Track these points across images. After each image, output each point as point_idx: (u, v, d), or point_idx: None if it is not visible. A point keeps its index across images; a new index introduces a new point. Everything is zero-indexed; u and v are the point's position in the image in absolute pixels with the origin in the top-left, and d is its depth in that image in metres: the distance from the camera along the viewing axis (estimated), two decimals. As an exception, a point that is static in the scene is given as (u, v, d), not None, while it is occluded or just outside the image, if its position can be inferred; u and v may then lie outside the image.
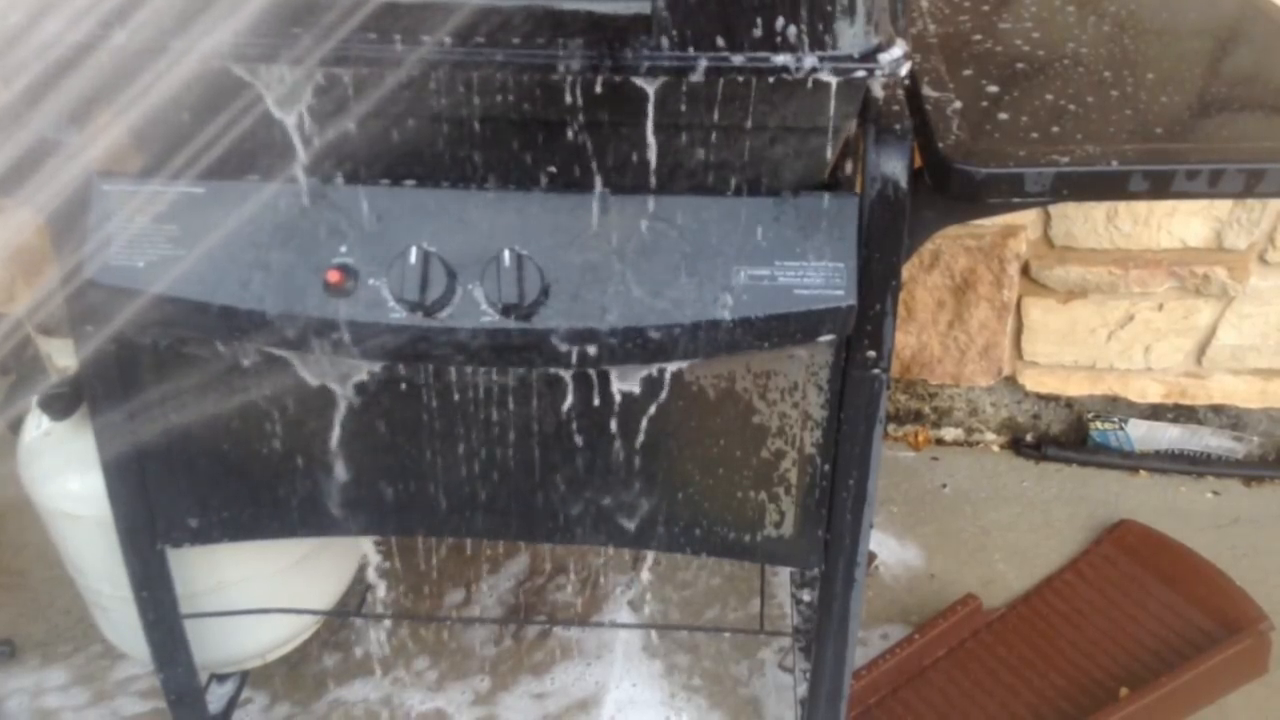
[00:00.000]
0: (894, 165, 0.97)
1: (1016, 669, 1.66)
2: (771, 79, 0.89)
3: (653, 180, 0.99)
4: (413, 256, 0.99)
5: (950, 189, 0.95)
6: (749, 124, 0.95)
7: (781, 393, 1.12)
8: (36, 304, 1.36)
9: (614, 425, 1.14)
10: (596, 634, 1.74)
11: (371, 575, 1.69)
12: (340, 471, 1.20)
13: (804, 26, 0.86)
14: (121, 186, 1.04)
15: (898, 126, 0.97)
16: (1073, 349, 2.00)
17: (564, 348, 1.01)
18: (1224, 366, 1.99)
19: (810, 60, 0.87)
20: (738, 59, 0.87)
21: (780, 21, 0.86)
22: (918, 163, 0.99)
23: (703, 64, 0.87)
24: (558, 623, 1.76)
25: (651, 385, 1.10)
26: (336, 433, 1.16)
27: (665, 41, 0.86)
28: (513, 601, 1.80)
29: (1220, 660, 1.59)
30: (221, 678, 1.57)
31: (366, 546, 1.67)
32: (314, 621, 1.59)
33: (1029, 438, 2.13)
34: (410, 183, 1.02)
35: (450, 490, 1.21)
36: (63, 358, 1.31)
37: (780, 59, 0.87)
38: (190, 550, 1.30)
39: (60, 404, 1.28)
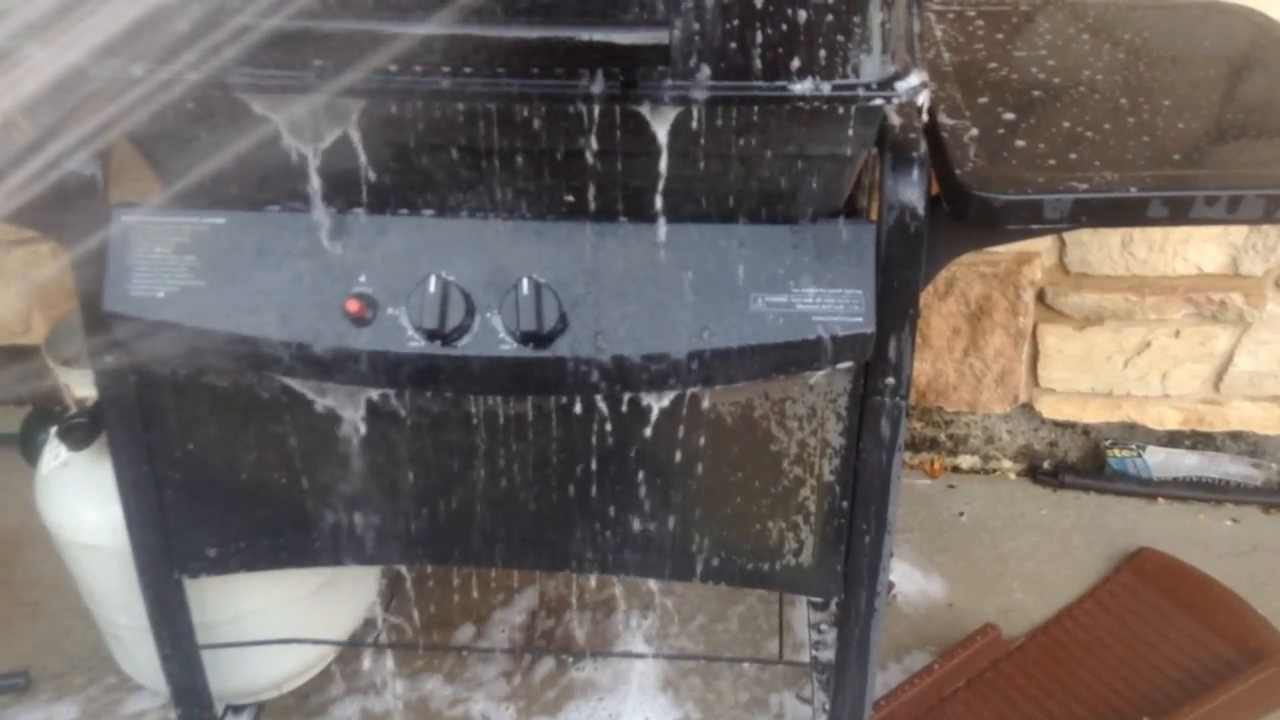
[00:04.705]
0: (911, 192, 0.97)
1: (1037, 699, 1.64)
2: (789, 108, 0.89)
3: (670, 208, 0.99)
4: (432, 285, 0.99)
5: (968, 216, 0.95)
6: (767, 152, 0.96)
7: (800, 420, 1.12)
8: (55, 335, 1.36)
9: (631, 453, 1.13)
10: (611, 667, 1.73)
11: (385, 607, 1.69)
12: (359, 501, 1.20)
13: (821, 55, 0.86)
14: (141, 217, 1.05)
15: (915, 154, 0.97)
16: (1089, 376, 1.99)
17: (582, 375, 1.01)
18: (1242, 393, 1.98)
19: (828, 89, 0.88)
20: (756, 88, 0.88)
21: (798, 51, 0.86)
22: (935, 190, 0.99)
23: (721, 93, 0.88)
24: (573, 653, 1.75)
25: (669, 412, 1.10)
26: (355, 462, 1.16)
27: (683, 71, 0.87)
28: (526, 635, 1.79)
29: (1242, 689, 1.57)
30: (237, 709, 1.56)
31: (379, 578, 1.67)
32: (330, 652, 1.58)
33: (1046, 465, 2.12)
34: (429, 212, 1.03)
35: (467, 519, 1.21)
36: (81, 388, 1.31)
37: (798, 88, 0.87)
38: (207, 580, 1.30)
39: (79, 434, 1.28)
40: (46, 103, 0.96)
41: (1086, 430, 2.08)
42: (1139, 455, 2.05)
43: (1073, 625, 1.77)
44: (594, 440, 1.12)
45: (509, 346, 1.00)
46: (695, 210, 1.00)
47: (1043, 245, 1.88)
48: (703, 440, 1.13)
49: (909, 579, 1.89)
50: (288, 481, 1.20)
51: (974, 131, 1.02)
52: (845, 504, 1.15)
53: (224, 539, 1.25)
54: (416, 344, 1.01)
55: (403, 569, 1.76)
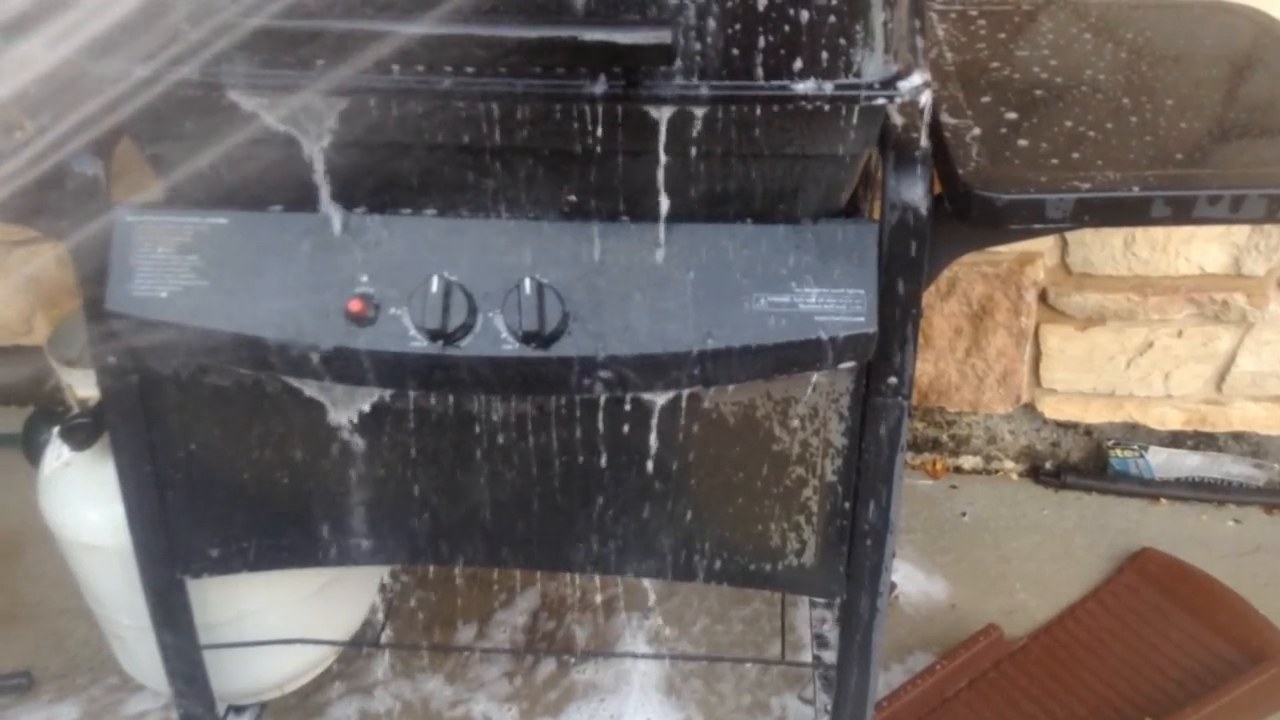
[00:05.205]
0: (914, 192, 0.97)
1: (1039, 700, 1.64)
2: (792, 108, 0.89)
3: (672, 208, 0.99)
4: (434, 285, 0.99)
5: (971, 215, 0.95)
6: (768, 152, 0.96)
7: (802, 420, 1.12)
8: (57, 335, 1.37)
9: (634, 453, 1.13)
10: (613, 668, 1.73)
11: (387, 607, 1.68)
12: (361, 501, 1.20)
13: (824, 56, 0.86)
14: (144, 217, 1.05)
15: (917, 153, 0.97)
16: (1091, 376, 1.99)
17: (585, 376, 1.01)
18: (1244, 393, 1.98)
19: (830, 89, 0.88)
20: (758, 88, 0.87)
21: (801, 51, 0.86)
22: (937, 189, 0.99)
23: (723, 93, 0.88)
24: (574, 654, 1.75)
25: (672, 413, 1.10)
26: (357, 462, 1.16)
27: (686, 71, 0.87)
28: (527, 636, 1.79)
29: (1245, 690, 1.57)
30: (239, 709, 1.56)
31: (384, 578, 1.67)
32: (332, 652, 1.58)
33: (1048, 465, 2.12)
34: (431, 212, 1.03)
35: (469, 519, 1.21)
36: (83, 388, 1.31)
37: (801, 88, 0.87)
38: (209, 580, 1.29)
39: (81, 434, 1.28)
40: (47, 102, 0.96)
41: (1089, 430, 2.08)
42: (1141, 456, 2.05)
43: (1075, 626, 1.77)
44: (596, 441, 1.12)
45: (511, 347, 1.00)
46: (697, 210, 1.00)
47: (1045, 245, 1.88)
48: (705, 440, 1.13)
49: (911, 579, 1.88)
50: (290, 481, 1.20)
51: (976, 131, 1.02)
52: (847, 504, 1.15)
53: (226, 539, 1.25)
54: (419, 344, 1.01)
55: (404, 569, 1.77)
